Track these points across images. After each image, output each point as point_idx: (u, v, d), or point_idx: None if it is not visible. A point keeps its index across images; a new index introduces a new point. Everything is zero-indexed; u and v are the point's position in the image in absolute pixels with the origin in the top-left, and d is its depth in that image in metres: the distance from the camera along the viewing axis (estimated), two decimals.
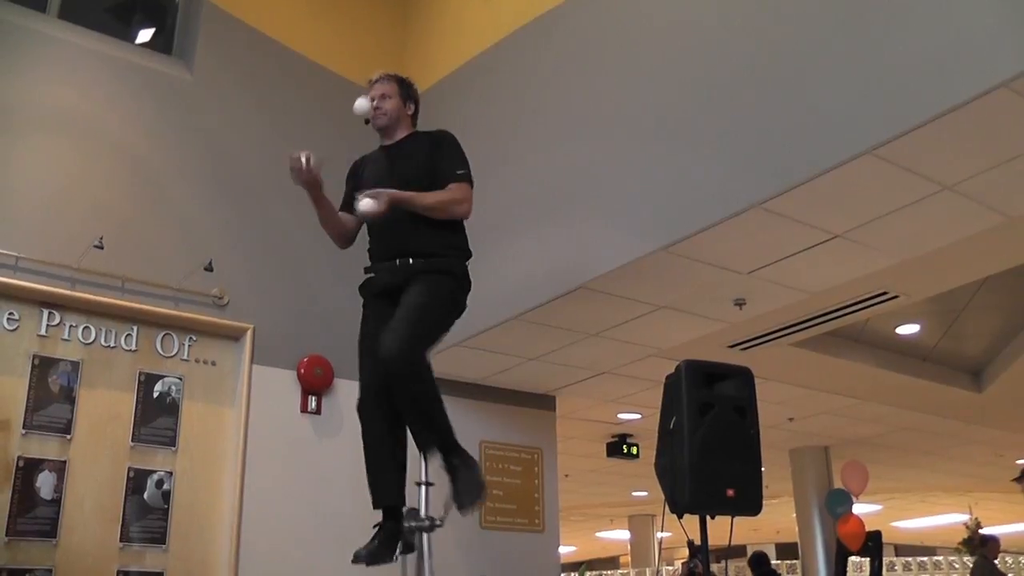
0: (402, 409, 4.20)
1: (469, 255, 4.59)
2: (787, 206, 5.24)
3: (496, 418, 8.57)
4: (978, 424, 12.47)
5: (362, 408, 4.40)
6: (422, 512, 4.13)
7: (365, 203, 4.18)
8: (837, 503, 12.06)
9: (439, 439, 4.18)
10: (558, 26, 6.94)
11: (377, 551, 4.13)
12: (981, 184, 5.06)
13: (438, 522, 4.16)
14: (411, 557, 4.20)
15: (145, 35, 7.58)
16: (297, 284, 7.43)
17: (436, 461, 4.19)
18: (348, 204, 4.69)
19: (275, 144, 7.54)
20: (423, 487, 4.29)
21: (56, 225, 6.38)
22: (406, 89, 4.78)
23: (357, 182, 4.71)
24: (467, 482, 4.08)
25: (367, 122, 4.63)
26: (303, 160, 4.29)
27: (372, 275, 4.56)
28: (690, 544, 8.40)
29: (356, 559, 4.10)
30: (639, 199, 5.97)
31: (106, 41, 7.11)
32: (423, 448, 4.26)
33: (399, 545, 4.18)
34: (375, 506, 4.30)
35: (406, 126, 4.73)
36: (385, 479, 4.29)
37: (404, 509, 4.26)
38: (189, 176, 7.12)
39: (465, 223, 4.62)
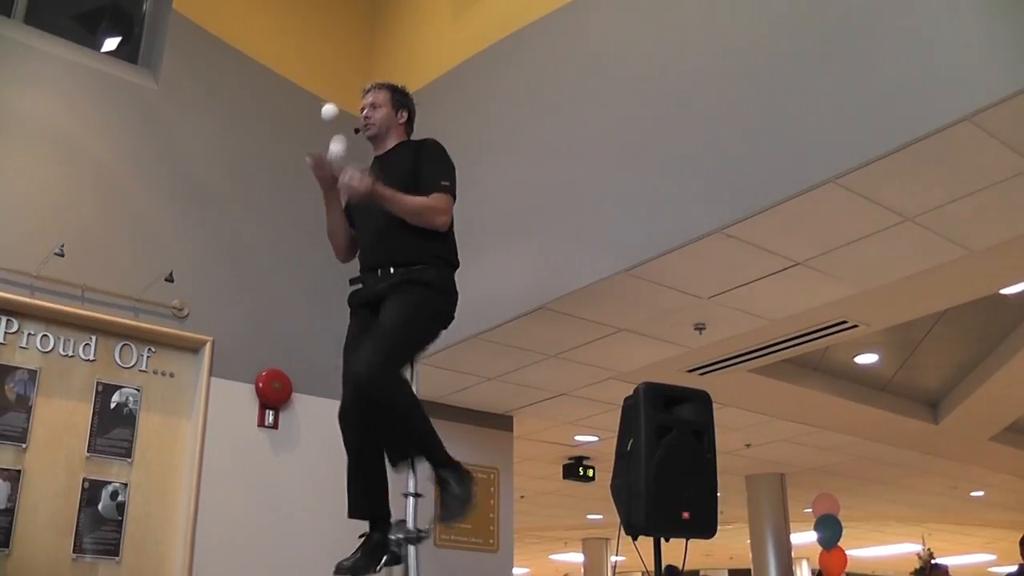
0: (384, 428, 4.19)
1: (455, 265, 4.55)
2: (749, 232, 5.28)
3: (453, 437, 8.41)
4: (933, 455, 12.57)
5: (343, 416, 4.33)
6: (410, 524, 4.06)
7: (348, 178, 4.18)
8: (826, 528, 12.22)
9: (425, 452, 4.16)
10: (525, 47, 6.98)
11: (360, 562, 4.08)
12: (942, 216, 5.12)
13: (424, 534, 4.09)
14: (397, 568, 4.13)
15: (111, 43, 7.53)
16: (258, 298, 7.39)
17: (426, 472, 4.17)
18: (347, 215, 4.71)
19: (239, 157, 7.55)
20: (410, 498, 4.19)
21: (16, 232, 6.31)
22: (399, 97, 4.75)
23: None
24: (455, 496, 4.09)
25: (357, 131, 4.60)
26: (324, 156, 4.40)
27: (357, 286, 4.53)
28: (668, 569, 8.44)
29: (339, 570, 4.06)
30: (602, 221, 6.00)
31: (72, 48, 7.05)
32: (395, 463, 4.24)
33: (384, 557, 4.12)
34: (350, 515, 4.25)
35: (397, 135, 4.70)
36: (365, 489, 4.25)
37: (392, 520, 4.21)
38: (152, 186, 7.07)
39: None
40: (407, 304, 4.26)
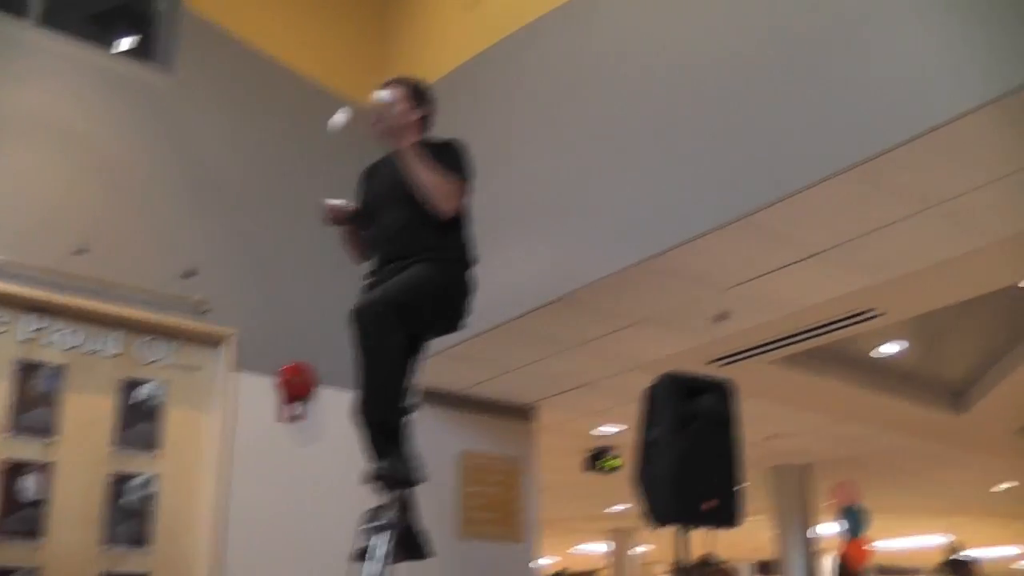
0: (359, 368, 4.04)
1: (470, 262, 4.48)
2: (770, 221, 5.26)
3: (476, 429, 8.59)
4: (959, 447, 12.47)
5: (356, 414, 4.33)
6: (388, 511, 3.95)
7: (382, 93, 4.30)
8: (850, 519, 12.15)
9: (385, 415, 4.03)
10: (543, 37, 6.98)
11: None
12: (966, 204, 5.07)
13: (398, 522, 3.94)
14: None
15: (126, 43, 7.57)
16: (279, 291, 7.46)
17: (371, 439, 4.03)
18: (363, 214, 4.68)
19: (256, 151, 7.61)
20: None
21: (40, 230, 6.39)
22: (416, 93, 4.66)
23: (365, 190, 4.69)
24: (389, 466, 3.95)
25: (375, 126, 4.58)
26: (333, 207, 4.51)
27: (371, 280, 4.48)
28: (703, 558, 8.51)
29: (356, 558, 4.03)
30: (621, 211, 6.00)
31: (87, 48, 7.11)
32: (366, 419, 4.06)
33: (404, 550, 4.03)
34: None
35: (416, 132, 4.57)
36: None
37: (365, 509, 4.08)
38: (171, 183, 7.15)
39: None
40: (418, 268, 4.23)
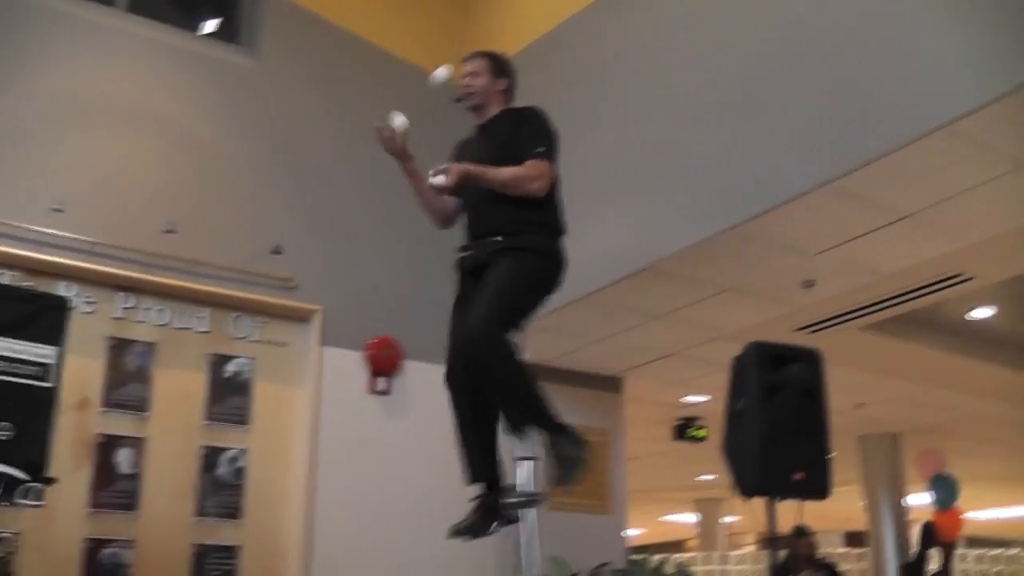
0: (490, 392, 4.13)
1: (560, 232, 4.44)
2: (857, 185, 5.19)
3: (563, 400, 8.36)
4: None
5: (449, 379, 4.31)
6: (526, 487, 4.03)
7: (436, 179, 4.14)
8: (941, 489, 11.93)
9: (535, 418, 4.06)
10: (626, 6, 6.93)
11: (475, 525, 4.09)
12: None
13: (540, 496, 4.05)
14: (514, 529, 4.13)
15: (211, 25, 7.70)
16: (366, 266, 7.51)
17: (537, 438, 4.05)
18: None
19: (341, 128, 7.65)
20: (525, 462, 4.13)
21: (130, 211, 6.54)
22: (497, 65, 4.65)
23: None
24: (567, 458, 4.00)
25: (458, 100, 4.56)
26: (388, 128, 4.37)
27: (464, 253, 4.47)
28: (797, 528, 8.47)
29: (454, 533, 4.08)
30: (707, 179, 5.95)
31: (173, 32, 7.26)
32: (515, 428, 4.13)
33: (496, 520, 4.12)
34: (468, 482, 4.23)
35: (498, 103, 4.59)
36: (476, 453, 4.23)
37: (505, 483, 4.19)
38: (257, 162, 7.26)
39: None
40: (509, 268, 4.19)
